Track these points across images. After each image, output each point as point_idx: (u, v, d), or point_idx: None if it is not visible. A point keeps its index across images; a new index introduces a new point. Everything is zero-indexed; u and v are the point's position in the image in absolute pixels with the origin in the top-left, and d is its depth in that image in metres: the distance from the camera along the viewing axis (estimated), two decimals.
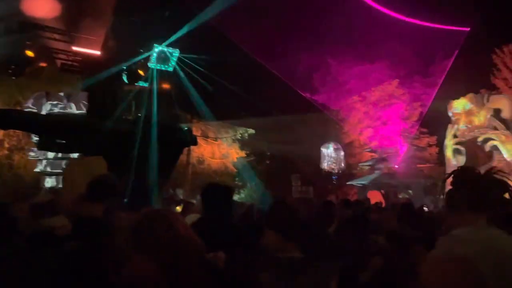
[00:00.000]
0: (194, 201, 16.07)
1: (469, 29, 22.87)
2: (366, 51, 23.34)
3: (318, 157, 22.97)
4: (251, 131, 22.23)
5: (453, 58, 23.42)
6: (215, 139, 21.75)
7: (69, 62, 13.75)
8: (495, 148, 15.77)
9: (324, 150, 22.82)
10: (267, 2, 20.45)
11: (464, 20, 22.38)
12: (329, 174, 23.05)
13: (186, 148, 18.26)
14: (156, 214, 1.62)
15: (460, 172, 1.80)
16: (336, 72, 24.62)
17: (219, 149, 21.84)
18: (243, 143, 22.54)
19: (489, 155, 16.97)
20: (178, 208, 9.58)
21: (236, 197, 21.71)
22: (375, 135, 23.87)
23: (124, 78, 13.09)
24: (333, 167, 22.59)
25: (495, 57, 23.30)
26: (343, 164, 22.84)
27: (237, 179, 22.64)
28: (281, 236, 2.20)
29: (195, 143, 12.65)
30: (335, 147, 22.93)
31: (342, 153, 22.80)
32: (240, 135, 22.35)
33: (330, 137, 23.90)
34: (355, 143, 24.47)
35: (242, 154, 22.47)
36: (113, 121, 10.36)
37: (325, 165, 22.72)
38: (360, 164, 23.51)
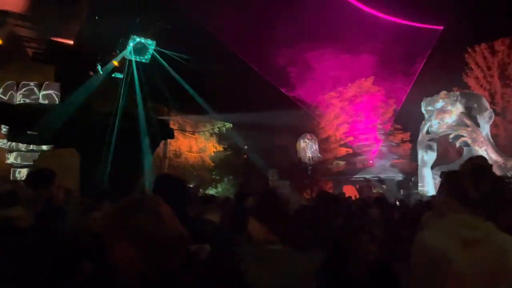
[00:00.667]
0: None
1: (442, 27, 23.41)
2: (342, 48, 23.61)
3: (295, 151, 23.14)
4: (229, 125, 22.14)
5: (426, 56, 23.95)
6: (193, 132, 21.57)
7: (41, 51, 13.28)
8: (466, 144, 16.28)
9: (300, 141, 23.06)
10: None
11: (439, 19, 22.90)
12: (305, 168, 23.27)
13: (163, 141, 18.07)
14: (140, 200, 1.54)
15: (477, 165, 1.78)
16: (312, 68, 24.80)
17: (197, 143, 21.68)
18: (220, 137, 22.44)
19: (460, 152, 17.54)
20: None
21: (213, 191, 21.65)
22: (350, 131, 24.20)
23: (99, 68, 12.76)
24: (308, 157, 22.82)
25: (467, 56, 23.95)
26: (318, 155, 23.10)
27: (214, 173, 22.54)
28: (265, 226, 2.18)
29: (171, 136, 12.48)
30: (310, 137, 23.17)
31: (316, 145, 23.07)
32: (218, 129, 22.24)
33: (307, 132, 24.10)
34: (331, 138, 24.78)
35: (220, 148, 22.38)
36: (86, 113, 10.10)
37: (301, 155, 22.95)
38: (336, 159, 23.83)
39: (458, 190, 1.72)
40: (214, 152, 22.12)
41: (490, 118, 16.57)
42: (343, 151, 23.97)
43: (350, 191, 19.01)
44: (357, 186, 21.20)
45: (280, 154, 22.67)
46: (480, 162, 1.84)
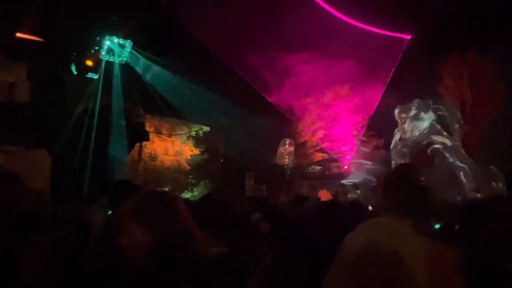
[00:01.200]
0: None
1: (410, 36, 23.99)
2: (319, 54, 23.86)
3: (272, 156, 23.25)
4: (206, 128, 22.07)
5: (395, 65, 24.46)
6: (169, 135, 21.37)
7: (12, 49, 12.88)
8: (437, 151, 16.72)
9: (280, 146, 23.24)
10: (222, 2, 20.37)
11: (412, 28, 23.44)
12: (282, 172, 23.40)
13: (138, 144, 17.82)
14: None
15: (394, 172, 1.92)
16: (289, 73, 24.97)
17: (173, 146, 21.49)
18: (197, 141, 22.30)
19: (432, 159, 17.99)
20: None
21: (189, 195, 21.47)
22: (326, 136, 24.51)
23: (73, 68, 12.50)
24: (285, 162, 22.98)
25: (440, 66, 24.66)
26: (294, 160, 23.29)
27: (190, 176, 22.37)
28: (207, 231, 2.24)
29: (147, 138, 12.35)
30: (289, 142, 23.37)
31: (293, 148, 23.28)
32: (195, 132, 22.10)
33: (285, 137, 24.26)
34: (308, 143, 25.00)
35: (196, 151, 22.23)
36: (59, 113, 9.88)
37: (279, 160, 23.11)
38: (312, 165, 24.07)
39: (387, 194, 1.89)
40: (190, 155, 21.97)
41: (460, 126, 17.09)
42: (319, 156, 24.23)
43: (325, 196, 19.19)
44: (332, 191, 21.44)
45: (257, 158, 22.73)
46: (402, 169, 2.01)
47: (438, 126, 16.65)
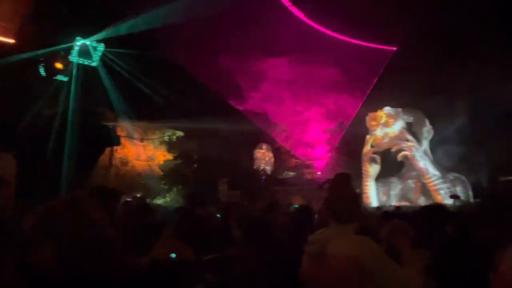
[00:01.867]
0: None
1: (395, 48, 24.59)
2: (296, 62, 24.08)
3: (247, 161, 23.24)
4: (180, 133, 21.79)
5: (378, 75, 24.98)
6: (141, 140, 20.97)
7: None
8: (406, 158, 17.21)
9: (256, 150, 23.28)
10: (193, 8, 20.21)
11: (390, 41, 24.02)
12: (257, 177, 23.43)
13: (109, 149, 17.41)
14: (70, 202, 1.48)
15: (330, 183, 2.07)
16: (264, 80, 25.07)
17: (145, 151, 21.10)
18: (170, 146, 21.98)
19: (401, 165, 18.48)
20: None
21: (161, 201, 21.12)
22: (300, 142, 24.74)
23: (41, 70, 12.11)
24: (262, 166, 23.05)
25: (411, 73, 25.42)
26: (271, 165, 23.40)
27: (163, 182, 22.03)
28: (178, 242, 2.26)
29: (118, 143, 12.08)
30: (265, 146, 23.45)
31: (270, 153, 23.39)
32: (168, 137, 21.78)
33: (260, 142, 24.35)
34: (282, 149, 25.16)
35: (169, 156, 21.91)
36: (26, 116, 9.54)
37: (256, 165, 23.15)
38: (286, 170, 24.22)
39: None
40: (163, 160, 21.63)
41: (429, 133, 17.65)
42: (293, 162, 24.40)
43: (298, 202, 19.31)
44: (306, 197, 21.61)
45: (231, 163, 22.65)
46: (340, 178, 2.17)
47: (407, 134, 17.12)
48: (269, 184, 22.88)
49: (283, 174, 24.75)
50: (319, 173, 22.76)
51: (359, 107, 23.48)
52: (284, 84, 25.00)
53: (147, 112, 19.17)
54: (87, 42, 12.82)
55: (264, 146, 23.51)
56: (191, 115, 20.16)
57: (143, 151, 20.96)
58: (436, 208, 2.49)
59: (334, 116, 25.53)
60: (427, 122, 17.92)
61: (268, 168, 23.41)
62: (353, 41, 24.87)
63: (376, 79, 24.78)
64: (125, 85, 16.82)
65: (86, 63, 13.09)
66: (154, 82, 18.23)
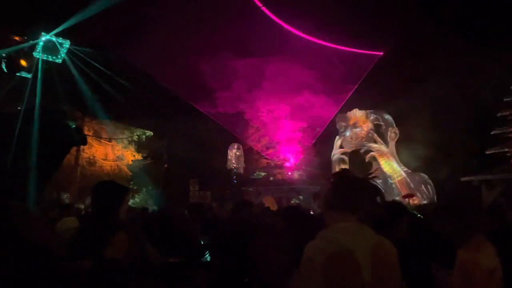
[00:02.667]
0: (82, 206, 14.94)
1: (382, 53, 25.14)
2: (270, 66, 24.15)
3: (218, 161, 23.13)
4: (149, 133, 21.43)
5: (361, 79, 25.39)
6: (109, 139, 20.49)
7: None
8: (374, 159, 17.65)
9: (229, 150, 23.24)
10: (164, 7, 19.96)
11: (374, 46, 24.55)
12: (228, 178, 23.37)
13: (75, 148, 16.89)
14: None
15: (339, 176, 1.96)
16: (238, 80, 25.04)
17: (113, 151, 20.61)
18: (140, 145, 21.58)
19: (369, 165, 18.94)
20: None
21: (130, 202, 20.69)
22: (271, 143, 24.86)
23: (3, 66, 11.60)
24: (233, 166, 23.02)
25: (380, 77, 26.13)
26: (243, 165, 23.41)
27: (132, 182, 21.61)
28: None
29: (84, 142, 11.73)
30: (237, 146, 23.44)
31: (241, 153, 23.40)
32: (137, 137, 21.37)
33: (231, 143, 24.31)
34: (253, 149, 25.22)
35: (139, 156, 21.51)
36: None
37: (228, 165, 23.07)
38: (257, 170, 24.29)
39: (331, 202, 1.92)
40: (132, 160, 21.20)
41: (395, 135, 18.17)
42: (264, 162, 24.50)
43: (269, 202, 19.43)
44: (276, 197, 21.76)
45: (202, 163, 22.50)
46: (345, 173, 2.07)
47: (375, 135, 17.56)
48: (241, 184, 22.89)
49: (255, 174, 24.81)
50: (289, 173, 22.95)
51: (337, 111, 23.59)
52: (257, 85, 25.05)
53: (116, 111, 18.75)
54: (53, 38, 12.38)
55: (236, 146, 23.49)
56: (162, 114, 19.90)
57: (111, 151, 20.47)
58: (394, 205, 2.59)
59: (307, 118, 25.77)
60: (393, 124, 18.44)
61: (240, 168, 23.41)
62: (334, 46, 25.22)
63: (357, 84, 25.23)
64: (92, 84, 16.39)
65: (51, 59, 12.64)
66: (124, 81, 17.85)
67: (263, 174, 24.07)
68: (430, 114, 19.43)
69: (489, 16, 19.67)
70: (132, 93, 18.06)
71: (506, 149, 17.68)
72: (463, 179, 18.13)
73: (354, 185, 1.88)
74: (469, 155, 22.48)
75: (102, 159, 20.08)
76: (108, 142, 20.35)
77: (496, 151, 18.80)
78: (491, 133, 20.60)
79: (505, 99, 19.71)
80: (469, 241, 2.40)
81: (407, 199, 13.76)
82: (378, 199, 1.93)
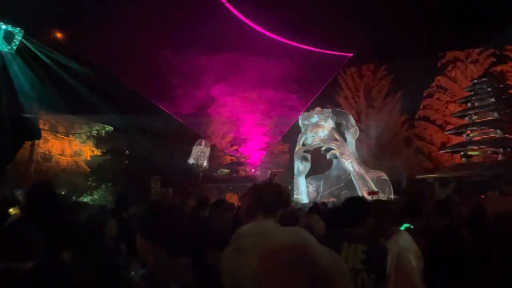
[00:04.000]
0: None
1: (352, 54, 25.65)
2: (235, 64, 24.10)
3: (181, 157, 22.81)
4: (109, 128, 20.78)
5: (329, 80, 25.80)
6: (66, 134, 19.70)
7: None
8: (335, 156, 18.04)
9: (195, 146, 22.98)
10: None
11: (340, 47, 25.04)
12: (192, 175, 23.12)
13: (29, 143, 16.11)
14: None
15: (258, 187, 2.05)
16: (203, 77, 24.81)
17: (71, 146, 19.84)
18: (99, 140, 20.88)
19: (330, 163, 19.36)
20: (13, 211, 8.31)
21: (87, 199, 20.03)
22: (235, 140, 24.88)
23: None
24: (200, 163, 22.78)
25: (339, 77, 26.86)
26: (207, 163, 23.23)
27: (90, 179, 20.91)
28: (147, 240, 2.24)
29: (38, 136, 11.22)
30: (204, 142, 23.21)
31: (208, 149, 23.21)
32: (96, 132, 20.67)
33: (195, 139, 24.07)
34: (217, 146, 25.13)
35: (98, 152, 20.83)
36: None
37: (192, 161, 22.79)
38: (221, 167, 24.22)
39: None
40: (91, 156, 20.49)
41: (355, 134, 18.66)
42: (227, 159, 24.47)
43: (232, 199, 19.45)
44: (239, 194, 21.79)
45: (164, 160, 22.11)
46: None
47: (336, 133, 17.94)
48: (204, 181, 22.71)
49: (218, 171, 24.72)
50: (252, 170, 23.06)
51: (305, 109, 23.77)
52: (220, 82, 24.96)
53: (74, 105, 18.04)
54: (3, 26, 11.73)
55: (203, 142, 23.24)
56: (123, 109, 19.35)
57: (68, 146, 19.69)
58: (358, 202, 2.69)
59: (272, 116, 25.98)
60: (354, 122, 18.93)
61: (205, 165, 23.20)
62: (302, 46, 25.50)
63: (326, 84, 25.65)
64: (49, 75, 15.68)
65: (2, 49, 11.98)
66: (82, 73, 17.20)
67: (226, 171, 24.03)
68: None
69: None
70: (92, 87, 17.45)
71: (458, 149, 18.65)
72: (418, 177, 18.96)
73: (271, 195, 1.95)
74: (424, 154, 23.56)
75: (59, 155, 19.29)
76: (65, 137, 19.56)
77: (449, 151, 19.81)
78: (445, 132, 21.69)
79: (458, 101, 20.80)
80: (393, 234, 2.55)
81: (371, 196, 14.21)
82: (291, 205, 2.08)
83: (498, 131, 17.14)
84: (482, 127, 17.72)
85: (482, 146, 17.55)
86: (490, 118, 17.59)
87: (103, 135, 20.82)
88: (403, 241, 2.58)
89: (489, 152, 17.74)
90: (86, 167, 20.36)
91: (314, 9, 21.46)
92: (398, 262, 2.43)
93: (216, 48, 23.18)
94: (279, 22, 23.97)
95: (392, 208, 2.83)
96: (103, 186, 21.19)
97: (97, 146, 20.66)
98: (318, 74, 25.37)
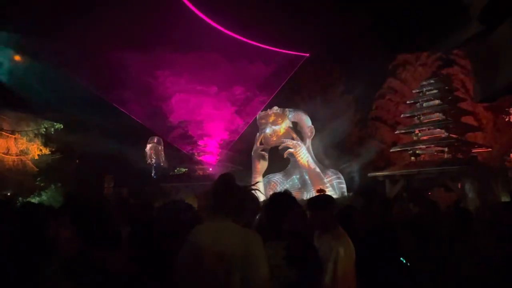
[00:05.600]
0: None
1: (308, 54, 25.99)
2: (191, 62, 23.82)
3: (136, 156, 22.27)
4: (59, 125, 19.83)
5: (285, 80, 26.03)
6: (12, 132, 18.60)
7: None
8: (292, 155, 18.32)
9: (148, 144, 22.47)
10: None
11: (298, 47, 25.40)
12: (146, 174, 22.62)
13: None
14: None
15: (220, 182, 2.08)
16: (154, 75, 24.28)
17: (17, 144, 18.76)
18: (48, 139, 19.88)
19: (287, 161, 19.64)
20: None
21: (35, 200, 19.08)
22: (192, 138, 24.62)
23: None
24: (153, 161, 22.34)
25: (296, 77, 27.33)
26: (163, 159, 22.82)
27: (38, 179, 19.87)
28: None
29: None
30: (156, 140, 22.75)
31: (161, 147, 22.81)
32: (44, 129, 19.65)
33: (150, 136, 23.55)
34: (174, 144, 24.75)
35: (46, 151, 19.83)
36: None
37: (147, 160, 22.32)
38: (177, 166, 23.88)
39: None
40: (39, 155, 19.48)
41: (311, 133, 19.04)
42: (185, 157, 24.14)
43: (189, 198, 19.23)
44: (196, 193, 21.60)
45: (118, 158, 21.45)
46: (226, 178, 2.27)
47: (293, 132, 18.22)
48: (160, 180, 22.29)
49: (175, 170, 24.35)
50: (210, 169, 22.92)
51: (263, 108, 23.83)
52: (176, 79, 24.59)
53: (20, 101, 17.08)
54: None
55: (155, 140, 22.75)
56: (73, 105, 18.57)
57: (14, 144, 18.60)
58: (280, 198, 2.78)
59: (230, 114, 25.95)
60: (310, 122, 19.31)
61: (159, 163, 22.76)
62: (260, 45, 25.59)
63: (283, 83, 25.92)
64: None
65: None
66: (29, 66, 16.32)
67: (183, 169, 23.73)
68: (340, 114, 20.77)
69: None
70: (40, 82, 16.60)
71: (407, 148, 19.55)
72: (370, 174, 19.69)
73: (233, 192, 2.04)
74: (375, 153, 24.52)
75: (3, 153, 18.18)
76: (10, 135, 18.45)
77: (399, 149, 20.71)
78: (395, 132, 22.66)
79: (408, 102, 21.79)
80: (332, 231, 2.73)
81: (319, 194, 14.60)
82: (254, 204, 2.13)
83: (444, 130, 18.12)
84: (429, 127, 18.67)
85: (429, 145, 18.49)
86: (436, 118, 18.56)
87: (52, 133, 19.84)
88: (338, 237, 2.69)
89: (435, 151, 18.76)
90: (34, 166, 19.34)
91: (273, 9, 21.71)
92: (335, 258, 2.52)
93: (172, 45, 22.81)
94: (237, 21, 24.02)
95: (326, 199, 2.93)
96: (53, 186, 20.20)
97: (45, 144, 19.65)
98: (276, 74, 25.68)
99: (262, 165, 18.99)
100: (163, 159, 23.01)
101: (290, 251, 2.28)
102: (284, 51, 25.78)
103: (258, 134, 19.30)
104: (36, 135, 19.26)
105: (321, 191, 14.20)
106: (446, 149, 18.04)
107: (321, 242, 2.67)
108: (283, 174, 19.69)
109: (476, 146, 19.35)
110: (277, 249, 2.28)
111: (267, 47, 25.64)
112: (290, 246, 2.30)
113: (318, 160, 18.38)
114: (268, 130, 18.26)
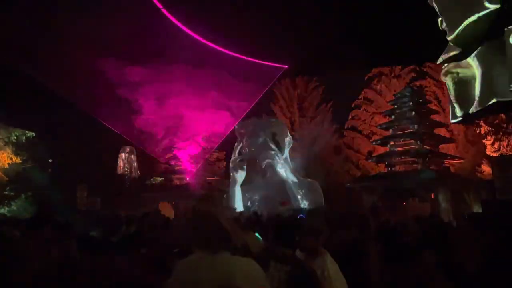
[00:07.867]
0: None
1: (287, 66, 26.21)
2: (170, 71, 23.65)
3: (110, 165, 21.83)
4: (30, 133, 19.26)
5: (264, 91, 26.11)
6: None
7: None
8: (270, 165, 18.35)
9: (120, 154, 22.07)
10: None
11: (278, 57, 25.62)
12: (120, 183, 22.18)
13: None
14: None
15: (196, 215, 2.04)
16: (127, 85, 23.93)
17: None
18: (18, 147, 19.27)
19: (265, 172, 19.63)
20: None
21: (4, 210, 18.45)
22: (170, 148, 24.33)
23: None
24: (126, 171, 21.95)
25: (275, 88, 27.59)
26: (136, 169, 22.45)
27: (8, 188, 19.18)
28: None
29: None
30: (129, 149, 22.39)
31: (134, 156, 22.46)
32: (15, 138, 19.04)
33: (126, 145, 23.16)
34: (151, 153, 24.39)
35: (17, 160, 19.20)
36: None
37: (120, 169, 21.92)
38: (153, 175, 23.55)
39: None
40: (8, 164, 18.83)
41: (289, 143, 19.13)
42: (161, 167, 23.80)
43: (166, 208, 18.94)
44: (173, 203, 21.31)
45: (91, 168, 20.94)
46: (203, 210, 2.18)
47: (271, 142, 18.27)
48: (134, 190, 21.88)
49: (151, 179, 23.97)
50: (188, 179, 22.69)
51: (241, 118, 23.75)
52: (155, 89, 24.33)
53: None
54: None
55: (128, 149, 22.37)
56: (46, 114, 18.07)
57: None
58: (290, 221, 2.75)
59: (208, 124, 25.77)
60: (288, 132, 19.43)
61: (133, 173, 22.36)
62: (239, 56, 25.67)
63: (262, 94, 26.02)
64: None
65: None
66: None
67: (159, 179, 23.40)
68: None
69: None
70: (11, 90, 16.10)
71: (383, 159, 19.89)
72: (347, 185, 19.94)
73: (207, 224, 1.99)
74: (352, 162, 24.88)
75: None
76: None
77: (375, 160, 21.05)
78: (371, 142, 23.06)
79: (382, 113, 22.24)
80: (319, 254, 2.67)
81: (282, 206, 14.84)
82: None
83: (418, 142, 18.55)
84: (404, 139, 19.07)
85: (403, 157, 18.87)
86: (410, 130, 18.99)
87: (23, 141, 19.23)
88: (329, 260, 2.67)
89: (409, 162, 19.15)
90: (4, 176, 18.69)
91: (253, 22, 21.85)
92: (327, 284, 2.51)
93: (150, 54, 22.60)
94: (218, 33, 24.09)
95: (316, 225, 2.89)
96: (23, 196, 19.54)
97: (16, 153, 19.03)
98: (254, 84, 25.82)
99: (239, 175, 18.91)
100: (136, 168, 22.66)
101: (292, 277, 2.30)
102: (263, 62, 25.98)
103: (236, 144, 19.26)
104: (6, 144, 18.64)
105: (285, 203, 14.32)
106: (420, 160, 18.44)
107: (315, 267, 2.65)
108: (260, 184, 19.67)
109: (448, 157, 19.85)
110: (280, 272, 2.30)
111: (246, 58, 25.78)
112: (292, 271, 2.32)
113: (296, 170, 18.47)
114: (246, 141, 18.25)
